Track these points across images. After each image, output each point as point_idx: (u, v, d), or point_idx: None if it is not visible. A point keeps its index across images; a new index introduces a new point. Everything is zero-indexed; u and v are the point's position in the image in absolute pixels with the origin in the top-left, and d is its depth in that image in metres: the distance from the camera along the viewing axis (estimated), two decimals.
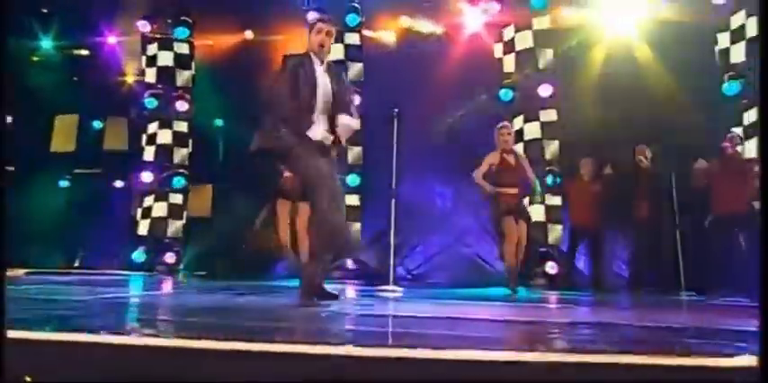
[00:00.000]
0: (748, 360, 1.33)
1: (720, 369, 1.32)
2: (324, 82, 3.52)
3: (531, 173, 5.23)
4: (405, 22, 7.97)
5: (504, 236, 5.08)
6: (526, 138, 7.22)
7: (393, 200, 5.08)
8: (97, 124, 9.56)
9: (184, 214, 8.50)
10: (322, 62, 3.61)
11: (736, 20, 6.56)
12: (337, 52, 7.73)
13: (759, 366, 1.24)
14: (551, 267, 6.95)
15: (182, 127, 8.24)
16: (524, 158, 5.26)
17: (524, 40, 7.09)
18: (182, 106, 8.09)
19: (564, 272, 6.78)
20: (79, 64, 9.40)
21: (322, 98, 3.47)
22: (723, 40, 6.73)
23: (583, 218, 6.33)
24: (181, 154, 8.30)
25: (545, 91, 7.01)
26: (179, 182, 8.27)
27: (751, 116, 6.58)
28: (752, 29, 6.41)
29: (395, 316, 2.80)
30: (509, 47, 7.27)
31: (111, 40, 9.38)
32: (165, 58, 8.09)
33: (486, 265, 8.07)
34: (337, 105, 3.48)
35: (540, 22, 7.11)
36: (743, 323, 2.53)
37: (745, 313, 3.42)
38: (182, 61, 8.15)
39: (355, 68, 7.80)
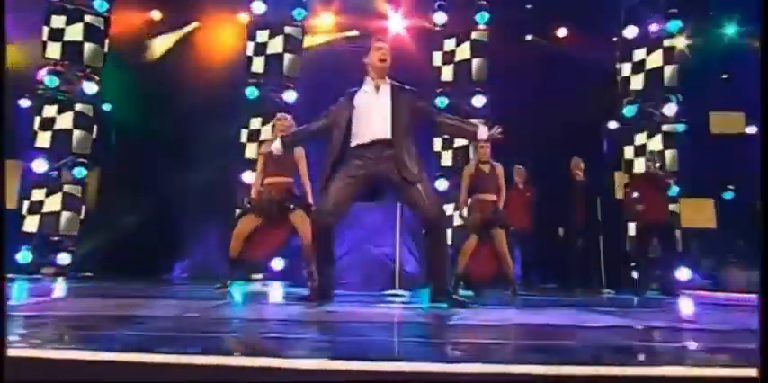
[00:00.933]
0: (748, 371, 1.32)
1: (719, 380, 1.34)
2: (370, 102, 3.60)
3: (502, 181, 5.62)
4: (343, 21, 7.98)
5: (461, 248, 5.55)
6: (456, 145, 7.70)
7: (399, 204, 5.13)
8: None
9: (83, 208, 7.56)
10: (381, 77, 3.68)
11: (639, 54, 7.72)
12: (276, 45, 7.51)
13: (759, 377, 1.21)
14: None
15: (86, 110, 7.29)
16: (500, 169, 5.62)
17: (463, 52, 7.54)
18: (89, 87, 7.16)
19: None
20: None
21: (369, 121, 3.55)
22: (625, 69, 7.85)
23: (516, 224, 6.92)
24: (82, 140, 7.35)
25: (478, 101, 7.51)
26: (80, 172, 7.33)
27: (642, 138, 7.82)
28: (651, 63, 7.63)
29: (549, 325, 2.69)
30: (448, 57, 7.66)
31: None
32: (75, 33, 7.07)
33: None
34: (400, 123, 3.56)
35: (479, 34, 7.61)
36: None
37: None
38: (94, 37, 7.19)
39: (292, 61, 7.59)
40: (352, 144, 3.58)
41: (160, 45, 8.08)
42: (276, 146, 3.87)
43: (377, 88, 3.65)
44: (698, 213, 8.12)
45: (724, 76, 8.87)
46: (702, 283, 8.12)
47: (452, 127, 3.74)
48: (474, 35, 7.55)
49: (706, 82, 8.36)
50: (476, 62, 7.54)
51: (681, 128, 7.93)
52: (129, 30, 7.81)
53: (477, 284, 5.99)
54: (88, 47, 7.17)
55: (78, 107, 7.22)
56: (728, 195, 8.86)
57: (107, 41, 7.33)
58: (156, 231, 8.21)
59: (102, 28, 7.25)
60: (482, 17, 7.36)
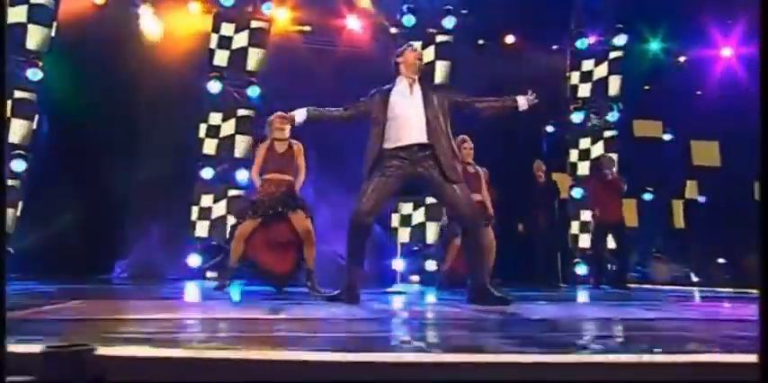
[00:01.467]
0: (748, 357, 1.32)
1: (720, 366, 1.37)
2: (405, 104, 3.64)
3: (484, 184, 5.85)
4: (299, 16, 7.88)
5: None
6: None
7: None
8: None
9: (20, 204, 6.91)
10: (414, 80, 3.75)
11: (587, 65, 8.29)
12: (242, 39, 7.27)
13: (759, 363, 1.21)
14: (431, 265, 7.68)
15: (28, 98, 6.65)
16: (482, 171, 5.84)
17: (428, 55, 7.69)
18: (34, 74, 6.55)
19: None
20: None
21: (406, 125, 3.60)
22: (574, 77, 8.40)
23: None
24: (22, 131, 6.71)
25: None
26: (19, 165, 6.69)
27: (586, 142, 8.40)
28: (598, 73, 8.23)
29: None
30: None
31: None
32: (18, 15, 6.40)
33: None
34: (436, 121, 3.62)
35: (444, 38, 7.79)
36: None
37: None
38: (39, 20, 6.54)
39: (258, 56, 7.37)
40: (388, 146, 3.62)
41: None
42: (299, 116, 3.75)
43: (410, 88, 3.72)
44: (625, 212, 8.89)
45: (646, 88, 9.70)
46: (631, 276, 8.89)
47: (496, 107, 3.82)
48: (439, 38, 7.74)
49: (630, 92, 9.12)
50: (440, 64, 7.73)
51: (613, 133, 8.62)
52: (73, 11, 7.17)
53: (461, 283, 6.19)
54: (33, 29, 6.54)
55: (18, 94, 6.58)
56: (647, 196, 9.68)
57: (55, 24, 6.71)
58: (95, 229, 7.68)
59: (51, 8, 6.62)
60: (449, 22, 7.56)
